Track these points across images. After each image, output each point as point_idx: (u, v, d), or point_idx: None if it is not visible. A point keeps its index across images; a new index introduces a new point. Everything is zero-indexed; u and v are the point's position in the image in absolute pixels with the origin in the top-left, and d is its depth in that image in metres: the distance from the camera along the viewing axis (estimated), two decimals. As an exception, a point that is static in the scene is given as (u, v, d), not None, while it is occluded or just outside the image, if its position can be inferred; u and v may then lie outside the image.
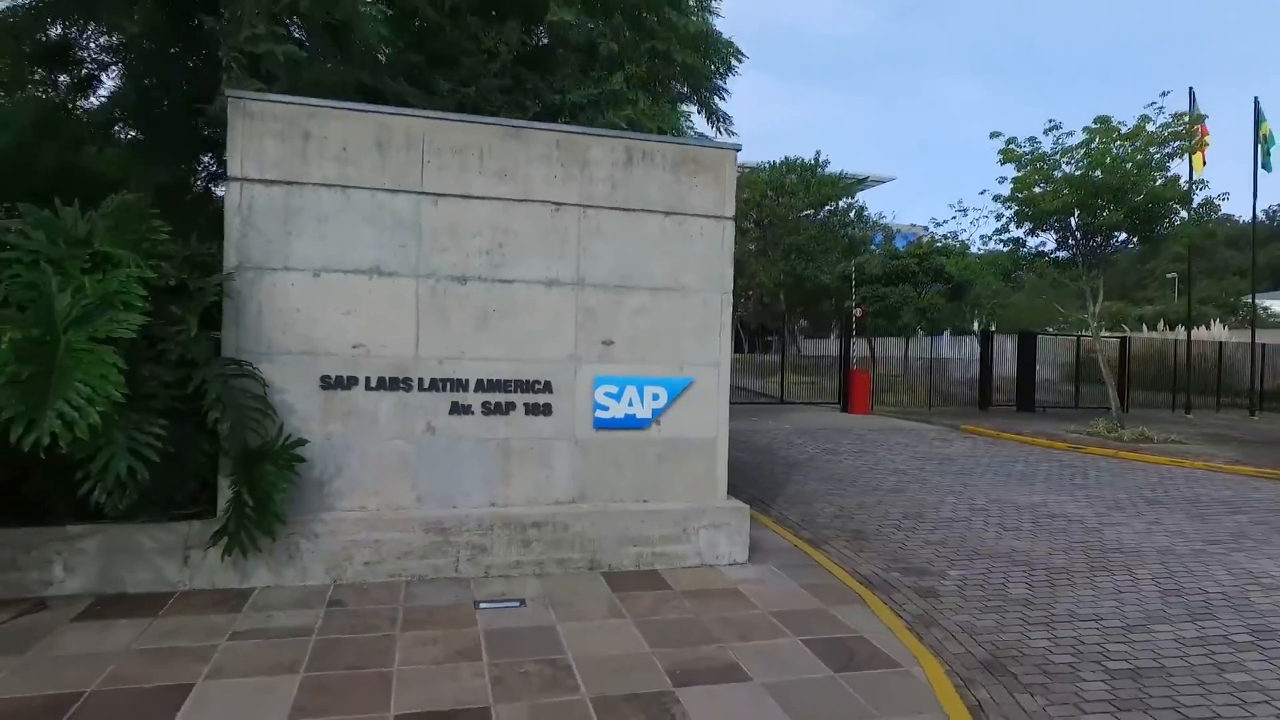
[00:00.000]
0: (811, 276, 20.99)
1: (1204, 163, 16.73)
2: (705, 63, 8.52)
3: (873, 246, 27.52)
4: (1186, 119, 12.05)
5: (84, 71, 7.52)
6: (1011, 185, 12.28)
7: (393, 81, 6.28)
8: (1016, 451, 11.00)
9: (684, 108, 9.56)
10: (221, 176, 9.10)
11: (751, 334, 40.01)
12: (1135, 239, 12.12)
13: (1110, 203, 11.49)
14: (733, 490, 5.58)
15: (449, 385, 4.68)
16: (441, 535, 4.55)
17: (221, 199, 10.08)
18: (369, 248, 4.54)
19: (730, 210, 5.23)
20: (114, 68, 7.25)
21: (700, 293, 5.12)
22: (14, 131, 6.29)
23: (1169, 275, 78.83)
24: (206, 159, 7.71)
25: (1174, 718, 3.40)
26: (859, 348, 19.14)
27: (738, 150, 5.31)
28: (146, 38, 6.13)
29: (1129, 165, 11.47)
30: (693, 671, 3.49)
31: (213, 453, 4.15)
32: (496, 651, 3.63)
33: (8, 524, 3.99)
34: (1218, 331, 25.86)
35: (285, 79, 5.44)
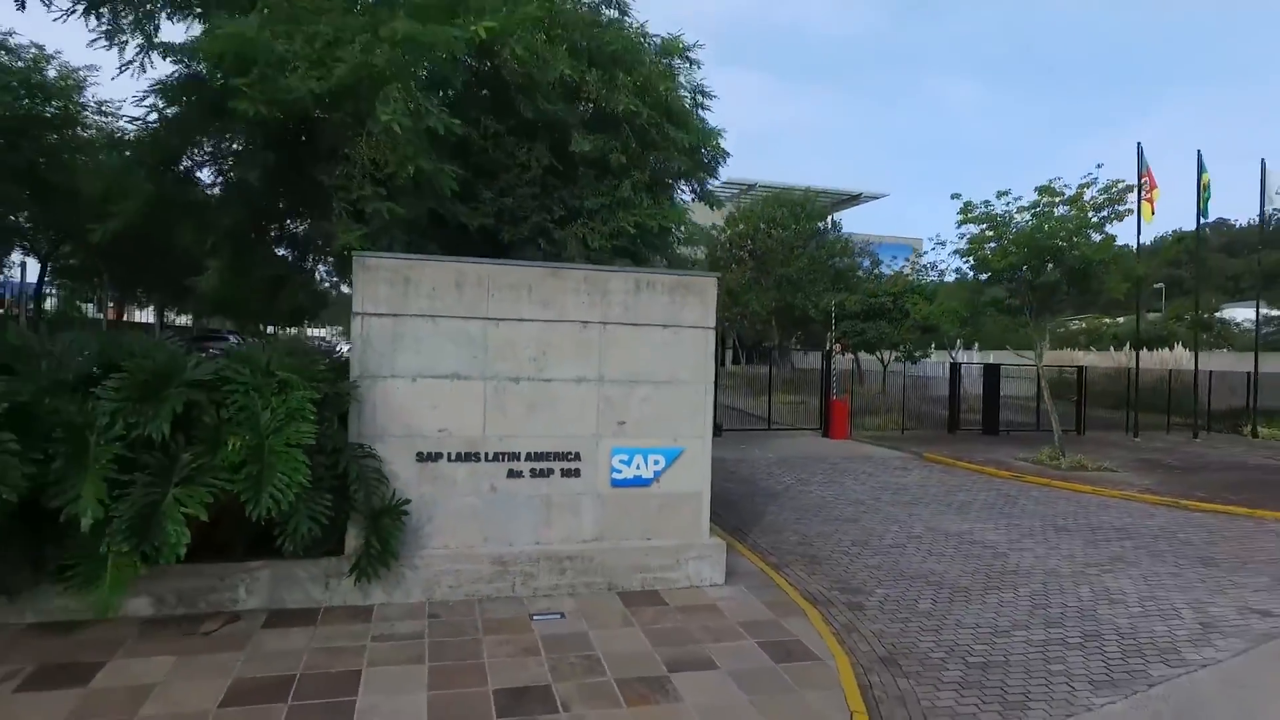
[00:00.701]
0: (800, 305, 22.78)
1: (1152, 212, 18.56)
2: (699, 163, 10.33)
3: (859, 271, 29.35)
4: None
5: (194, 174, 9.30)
6: (967, 243, 14.08)
7: (452, 205, 8.04)
8: (964, 480, 12.79)
9: (681, 186, 11.36)
10: (300, 269, 10.92)
11: (749, 348, 41.83)
12: (1074, 292, 13.90)
13: (1051, 262, 13.28)
14: (718, 519, 7.34)
15: (506, 456, 6.46)
16: (502, 566, 6.33)
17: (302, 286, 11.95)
18: (450, 359, 6.32)
19: (711, 322, 7.01)
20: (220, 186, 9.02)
21: (689, 384, 6.90)
22: (140, 202, 8.09)
23: (1156, 285, 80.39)
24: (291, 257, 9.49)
25: (996, 693, 5.18)
26: (848, 362, 20.91)
27: (718, 278, 7.09)
28: (261, 180, 7.88)
29: (1067, 228, 13.26)
30: (681, 662, 5.27)
31: (346, 511, 5.92)
32: (549, 649, 5.40)
33: (204, 560, 5.76)
34: (1179, 353, 27.65)
35: (377, 218, 7.21)
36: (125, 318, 42.99)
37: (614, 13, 10.99)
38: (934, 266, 21.25)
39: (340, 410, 5.88)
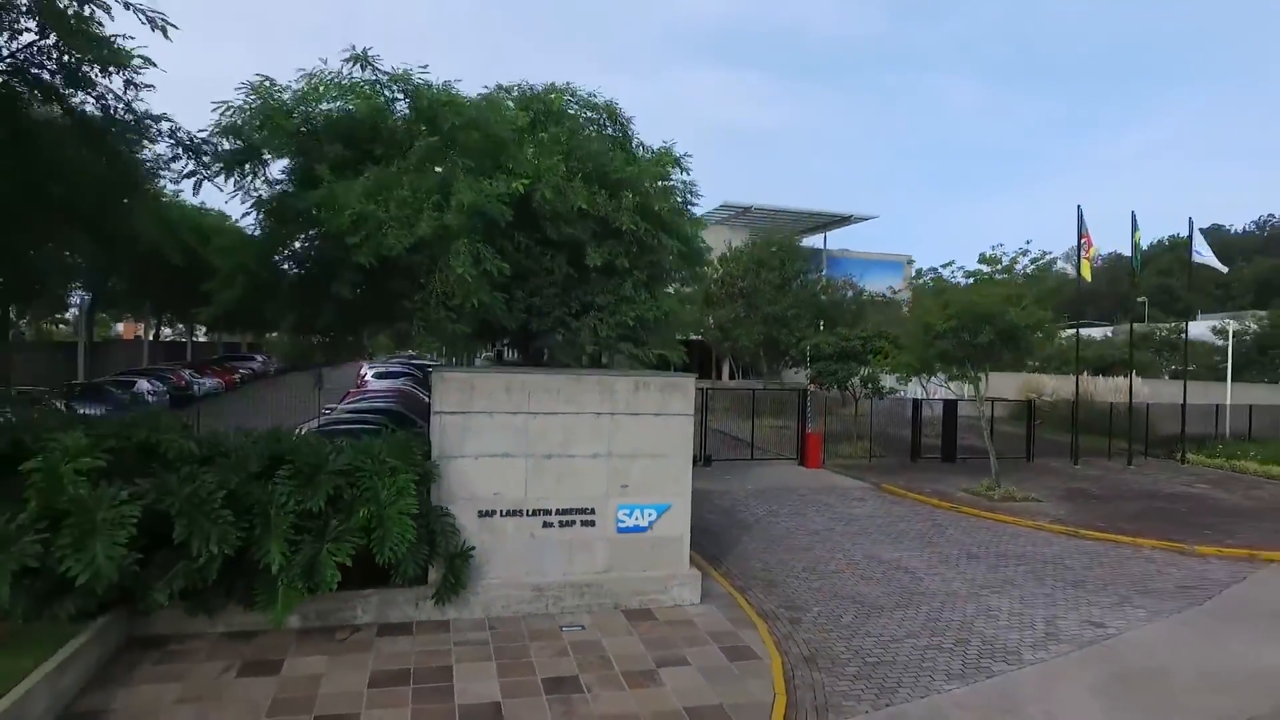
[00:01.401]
0: (785, 341, 25.27)
1: (1090, 270, 21.11)
2: (686, 258, 12.85)
3: (845, 303, 31.82)
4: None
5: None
6: (918, 310, 16.59)
7: (497, 312, 10.52)
8: (908, 511, 15.28)
9: (674, 275, 13.87)
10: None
11: (744, 366, 44.37)
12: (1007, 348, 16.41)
13: (985, 325, 15.78)
14: (700, 548, 9.80)
15: (542, 512, 8.95)
16: (539, 592, 8.82)
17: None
18: (502, 443, 8.81)
19: (691, 410, 9.50)
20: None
21: (674, 457, 9.40)
22: (243, 289, 10.55)
23: (1139, 300, 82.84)
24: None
25: (878, 682, 7.66)
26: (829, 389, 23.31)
27: (695, 376, 9.60)
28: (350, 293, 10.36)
29: (999, 299, 15.76)
30: (665, 660, 7.75)
31: (430, 554, 8.39)
32: (575, 651, 7.88)
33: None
34: (1124, 381, 29.96)
35: (441, 328, 9.70)
36: (154, 336, 45.48)
37: (617, 131, 13.57)
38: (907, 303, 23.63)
39: (429, 484, 8.37)
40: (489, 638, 8.15)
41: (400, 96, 10.39)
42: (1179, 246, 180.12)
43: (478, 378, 8.79)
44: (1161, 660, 8.48)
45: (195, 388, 28.24)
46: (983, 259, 16.39)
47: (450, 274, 8.94)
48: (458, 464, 8.67)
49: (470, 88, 11.48)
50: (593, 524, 9.10)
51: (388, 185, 9.37)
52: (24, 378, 25.28)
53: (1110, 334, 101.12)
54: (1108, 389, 29.80)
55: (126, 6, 8.23)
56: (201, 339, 53.47)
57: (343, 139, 10.17)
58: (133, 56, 8.87)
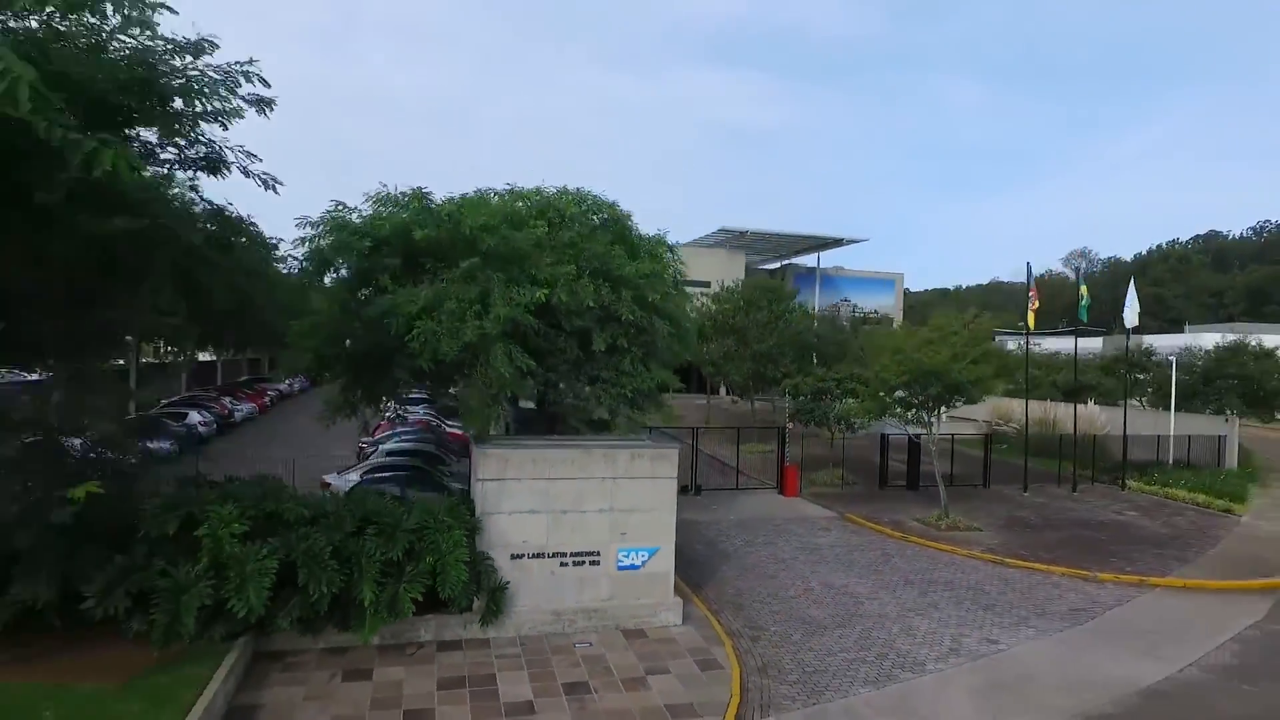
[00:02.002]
0: (771, 375, 27.96)
1: (1034, 321, 23.80)
2: (676, 336, 15.54)
3: (836, 314, 34.29)
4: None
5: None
6: (876, 366, 19.29)
7: (524, 392, 13.20)
8: (865, 541, 17.95)
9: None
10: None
11: (741, 388, 47.07)
12: (952, 400, 19.07)
13: (934, 379, 18.44)
14: (685, 575, 12.48)
15: (559, 555, 11.63)
16: (557, 616, 11.51)
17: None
18: (529, 502, 11.50)
19: (674, 474, 12.18)
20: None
21: (662, 511, 12.08)
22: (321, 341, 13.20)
23: (1131, 327, 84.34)
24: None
25: (811, 687, 10.34)
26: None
27: (679, 446, 12.30)
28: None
29: (946, 356, 18.41)
30: (652, 670, 10.43)
31: (475, 588, 11.07)
32: (585, 663, 10.56)
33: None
34: (1092, 409, 32.66)
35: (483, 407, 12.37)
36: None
37: (617, 225, 16.22)
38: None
39: (473, 535, 11.06)
40: (520, 652, 10.83)
41: (446, 222, 13.07)
42: (1172, 256, 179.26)
43: (511, 453, 11.49)
44: (1032, 670, 11.15)
45: (235, 414, 31.01)
46: (932, 326, 19.11)
47: (491, 371, 11.62)
48: (495, 519, 11.36)
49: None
50: (598, 563, 11.78)
51: (440, 297, 12.06)
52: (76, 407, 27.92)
53: (1101, 345, 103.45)
54: (1068, 415, 32.39)
55: (246, 174, 10.91)
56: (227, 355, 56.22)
57: (401, 254, 12.87)
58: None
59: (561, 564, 11.64)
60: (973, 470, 25.15)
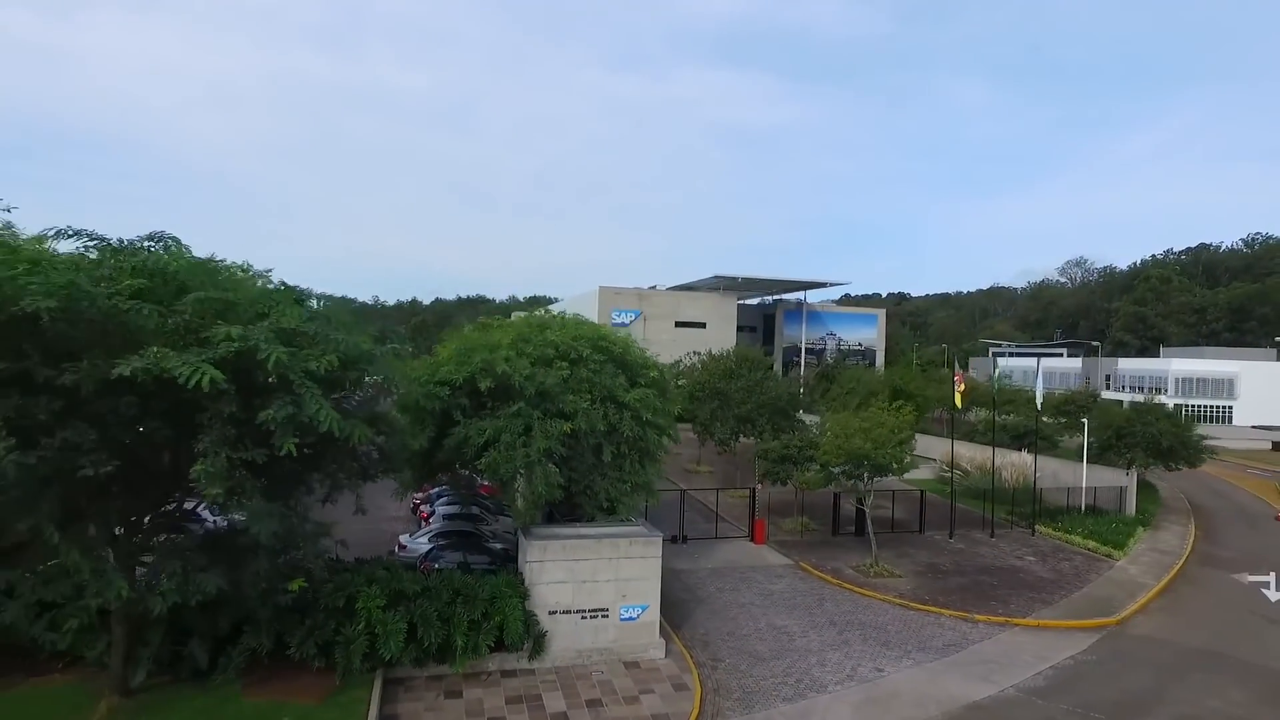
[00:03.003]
0: (749, 434, 33.45)
1: (962, 400, 29.32)
2: (663, 430, 21.07)
3: (827, 339, 39.78)
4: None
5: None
6: (820, 452, 24.86)
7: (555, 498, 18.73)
8: (810, 587, 23.41)
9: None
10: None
11: (724, 442, 52.54)
12: (879, 474, 24.57)
13: (865, 461, 23.95)
14: (670, 617, 18.02)
15: (580, 611, 17.16)
16: (580, 653, 17.05)
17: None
18: (561, 574, 17.02)
19: (659, 554, 17.70)
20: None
21: (651, 579, 17.62)
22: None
23: (1094, 343, 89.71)
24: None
25: (748, 703, 15.84)
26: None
27: (661, 536, 17.87)
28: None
29: (869, 448, 23.92)
30: (644, 690, 15.95)
31: (525, 635, 16.57)
32: (600, 686, 16.08)
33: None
34: (1025, 456, 37.99)
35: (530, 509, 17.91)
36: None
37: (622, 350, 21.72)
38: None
39: (524, 599, 16.58)
40: (556, 678, 16.33)
41: (500, 377, 18.56)
42: (1153, 277, 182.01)
43: (548, 543, 17.02)
44: (899, 690, 16.65)
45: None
46: (863, 420, 24.74)
47: (535, 486, 17.13)
48: (538, 588, 16.89)
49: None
50: (607, 617, 17.30)
51: (499, 431, 17.59)
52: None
53: (1081, 365, 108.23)
54: (1006, 462, 37.80)
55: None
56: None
57: (468, 396, 18.39)
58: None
59: (582, 618, 17.15)
60: (913, 516, 30.65)
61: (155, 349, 11.17)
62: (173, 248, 13.44)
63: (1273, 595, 24.34)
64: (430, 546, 21.31)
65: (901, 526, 30.25)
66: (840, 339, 73.25)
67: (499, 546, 21.88)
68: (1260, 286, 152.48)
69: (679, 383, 35.17)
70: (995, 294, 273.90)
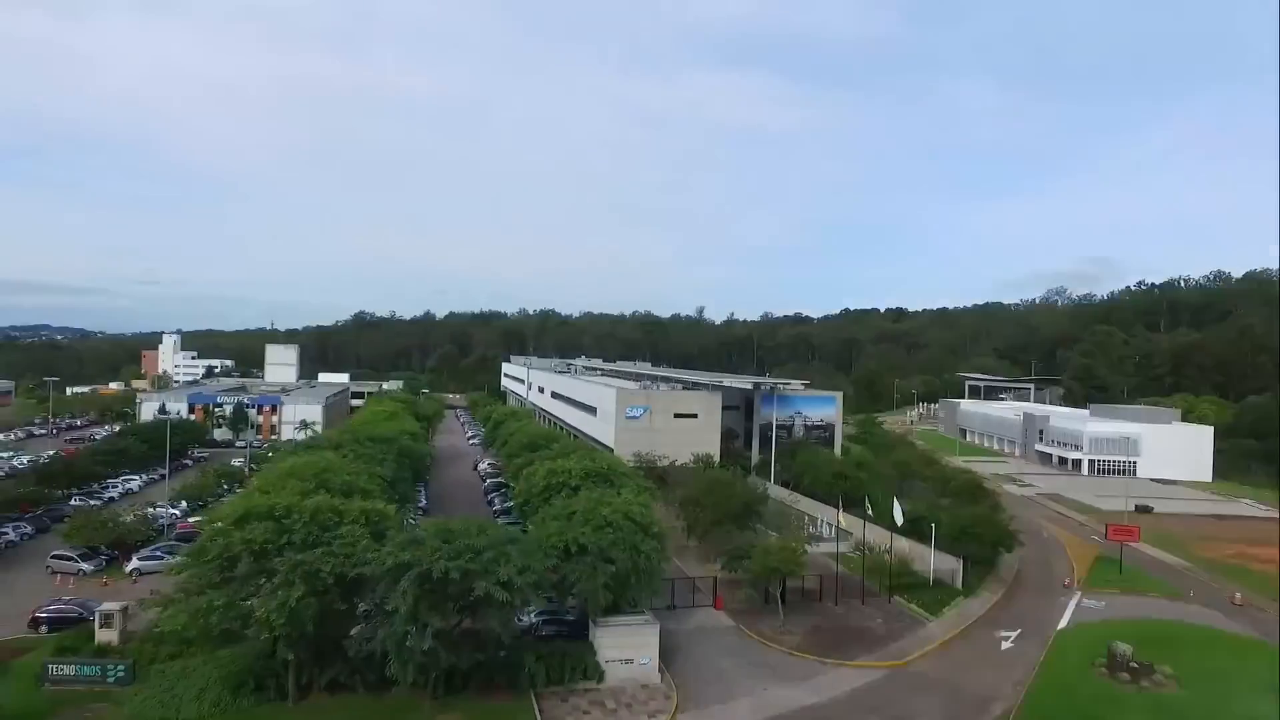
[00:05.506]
0: (723, 528, 52.48)
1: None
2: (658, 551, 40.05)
3: (794, 417, 58.82)
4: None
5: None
6: (754, 563, 43.61)
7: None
8: (741, 643, 42.07)
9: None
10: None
11: (702, 536, 71.56)
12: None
13: (777, 570, 42.70)
14: (663, 658, 36.87)
15: (620, 660, 36.16)
16: (621, 680, 36.08)
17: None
18: (612, 644, 36.05)
19: (656, 634, 36.70)
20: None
21: (651, 645, 36.69)
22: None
23: (1048, 382, 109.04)
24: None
25: (700, 703, 34.76)
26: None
27: (658, 624, 36.99)
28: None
29: (781, 560, 42.69)
30: (649, 698, 34.84)
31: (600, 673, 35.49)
32: (630, 695, 35.00)
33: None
34: (900, 541, 56.40)
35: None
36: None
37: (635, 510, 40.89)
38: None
39: (595, 654, 35.55)
40: (610, 693, 35.23)
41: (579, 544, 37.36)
42: (1099, 330, 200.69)
43: (606, 626, 36.08)
44: (772, 700, 35.51)
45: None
46: (781, 533, 43.32)
47: (599, 598, 36.00)
48: (601, 649, 35.85)
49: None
50: (631, 663, 36.26)
51: (580, 574, 36.57)
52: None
53: (1020, 419, 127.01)
54: (889, 546, 56.18)
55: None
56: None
57: (564, 554, 37.38)
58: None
59: (621, 664, 36.08)
60: (830, 585, 49.19)
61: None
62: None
63: (1005, 645, 42.99)
64: (539, 619, 40.35)
65: (810, 595, 48.89)
66: (806, 415, 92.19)
67: (571, 617, 40.69)
68: (1200, 336, 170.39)
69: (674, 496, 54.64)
70: (989, 315, 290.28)
